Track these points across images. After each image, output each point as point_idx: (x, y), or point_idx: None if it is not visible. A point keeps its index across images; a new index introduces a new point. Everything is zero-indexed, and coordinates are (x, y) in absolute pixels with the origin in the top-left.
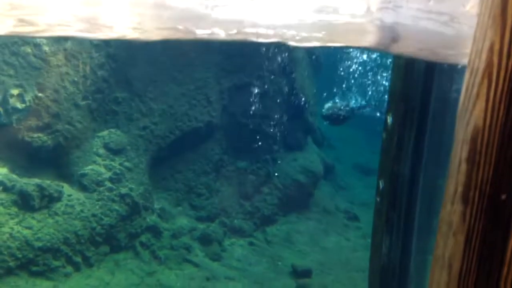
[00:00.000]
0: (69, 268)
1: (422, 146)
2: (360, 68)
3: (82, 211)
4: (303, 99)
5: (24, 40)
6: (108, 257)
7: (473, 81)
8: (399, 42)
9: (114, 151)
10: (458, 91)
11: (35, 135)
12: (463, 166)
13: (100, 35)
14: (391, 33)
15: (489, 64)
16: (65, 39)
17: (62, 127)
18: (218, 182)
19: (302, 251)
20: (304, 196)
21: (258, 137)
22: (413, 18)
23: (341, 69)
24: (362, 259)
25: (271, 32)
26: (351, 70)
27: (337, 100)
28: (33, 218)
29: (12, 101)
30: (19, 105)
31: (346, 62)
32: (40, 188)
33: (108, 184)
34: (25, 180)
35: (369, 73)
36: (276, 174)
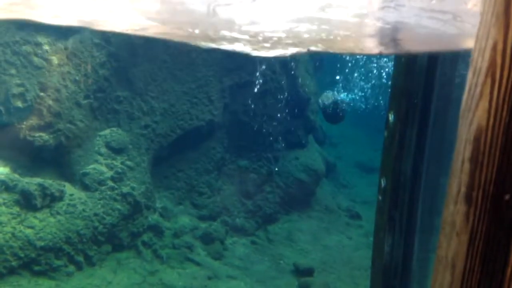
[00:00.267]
0: (71, 267)
1: (424, 144)
2: (361, 64)
3: (84, 210)
4: (304, 97)
5: (25, 39)
6: (110, 256)
7: (476, 80)
8: (401, 41)
9: (116, 150)
10: (460, 88)
11: (37, 134)
12: (466, 166)
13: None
14: (393, 32)
15: (492, 63)
16: (66, 38)
17: (64, 126)
18: (219, 181)
19: (304, 249)
20: (306, 195)
21: (259, 136)
22: (416, 17)
23: (343, 67)
24: (364, 257)
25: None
26: (353, 68)
27: (335, 92)
28: (35, 217)
29: (13, 100)
30: (21, 105)
31: (347, 57)
32: (42, 187)
33: (110, 183)
34: (27, 179)
35: (369, 70)
36: (276, 169)
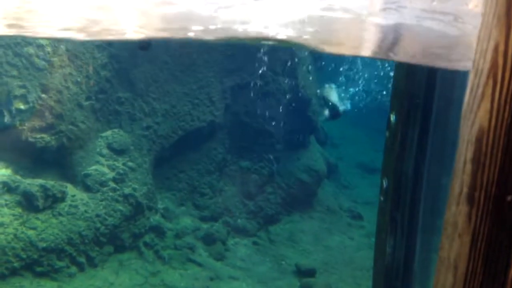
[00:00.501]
0: (73, 269)
1: (426, 144)
2: (361, 64)
3: (86, 211)
4: (305, 97)
5: (27, 41)
6: (112, 257)
7: (478, 81)
8: (403, 44)
9: (118, 151)
10: (462, 89)
11: (39, 135)
12: (468, 167)
13: (101, 37)
14: (395, 35)
15: (494, 65)
16: (67, 40)
17: (66, 127)
18: (221, 182)
19: (305, 250)
20: (307, 195)
21: (261, 136)
22: (418, 19)
23: (345, 66)
24: (366, 258)
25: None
26: (353, 68)
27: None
28: (37, 218)
29: (15, 102)
30: (23, 106)
31: (349, 58)
32: (44, 188)
33: (112, 184)
34: (29, 180)
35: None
36: (276, 167)
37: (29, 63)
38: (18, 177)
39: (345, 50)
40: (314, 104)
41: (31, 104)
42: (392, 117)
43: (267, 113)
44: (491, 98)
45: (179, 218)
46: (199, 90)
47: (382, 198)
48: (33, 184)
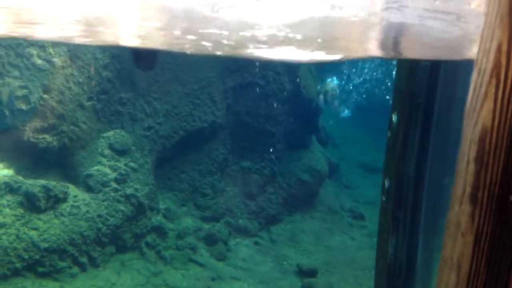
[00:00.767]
0: (75, 269)
1: (428, 144)
2: (363, 63)
3: (87, 211)
4: (307, 97)
5: (29, 41)
6: (114, 257)
7: (481, 81)
8: (405, 43)
9: (119, 151)
10: (464, 89)
11: (41, 136)
12: (471, 167)
13: (99, 42)
14: (396, 34)
15: (497, 64)
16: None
17: (67, 128)
18: (223, 182)
19: (307, 250)
20: (309, 195)
21: (262, 137)
22: (420, 18)
23: (346, 67)
24: (367, 258)
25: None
26: (354, 68)
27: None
28: (39, 219)
29: (17, 102)
30: (24, 107)
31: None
32: (46, 189)
33: (114, 184)
34: (30, 181)
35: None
36: (277, 167)
37: (31, 64)
38: (20, 178)
39: (347, 51)
40: (316, 104)
41: (33, 105)
42: (394, 117)
43: (268, 113)
44: (494, 98)
45: (181, 219)
46: (200, 90)
47: (384, 198)
48: (35, 184)
